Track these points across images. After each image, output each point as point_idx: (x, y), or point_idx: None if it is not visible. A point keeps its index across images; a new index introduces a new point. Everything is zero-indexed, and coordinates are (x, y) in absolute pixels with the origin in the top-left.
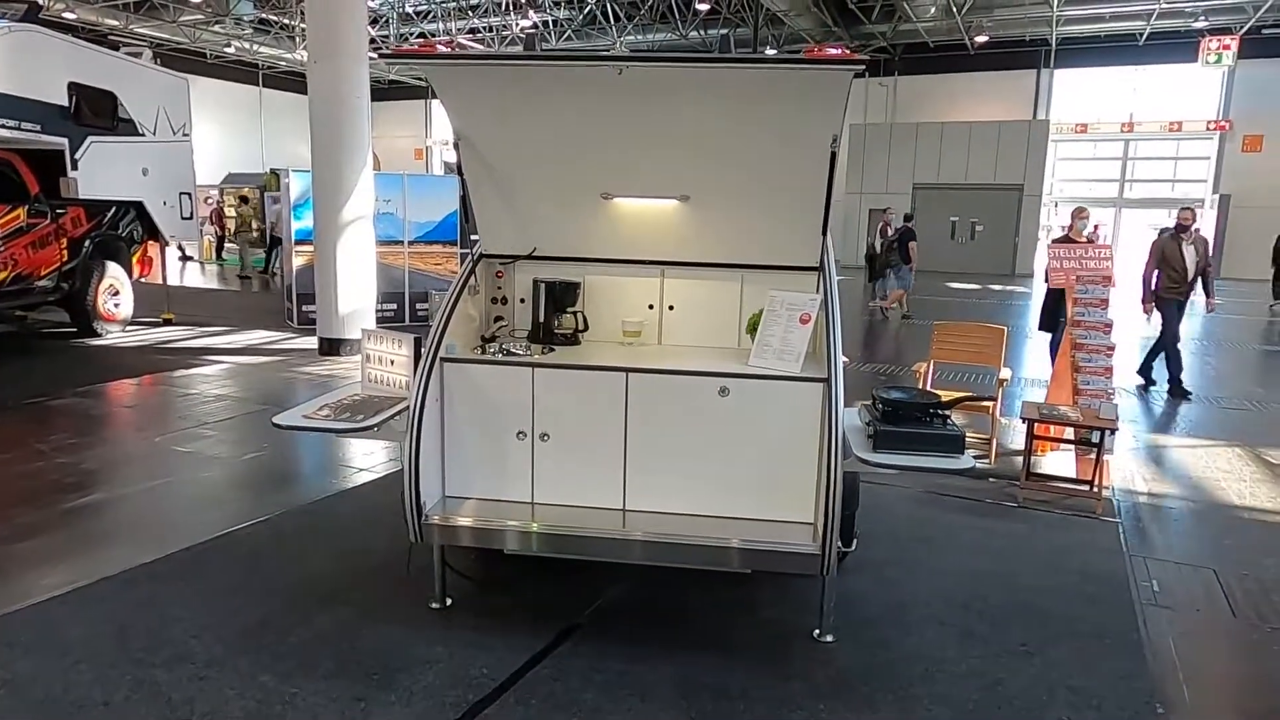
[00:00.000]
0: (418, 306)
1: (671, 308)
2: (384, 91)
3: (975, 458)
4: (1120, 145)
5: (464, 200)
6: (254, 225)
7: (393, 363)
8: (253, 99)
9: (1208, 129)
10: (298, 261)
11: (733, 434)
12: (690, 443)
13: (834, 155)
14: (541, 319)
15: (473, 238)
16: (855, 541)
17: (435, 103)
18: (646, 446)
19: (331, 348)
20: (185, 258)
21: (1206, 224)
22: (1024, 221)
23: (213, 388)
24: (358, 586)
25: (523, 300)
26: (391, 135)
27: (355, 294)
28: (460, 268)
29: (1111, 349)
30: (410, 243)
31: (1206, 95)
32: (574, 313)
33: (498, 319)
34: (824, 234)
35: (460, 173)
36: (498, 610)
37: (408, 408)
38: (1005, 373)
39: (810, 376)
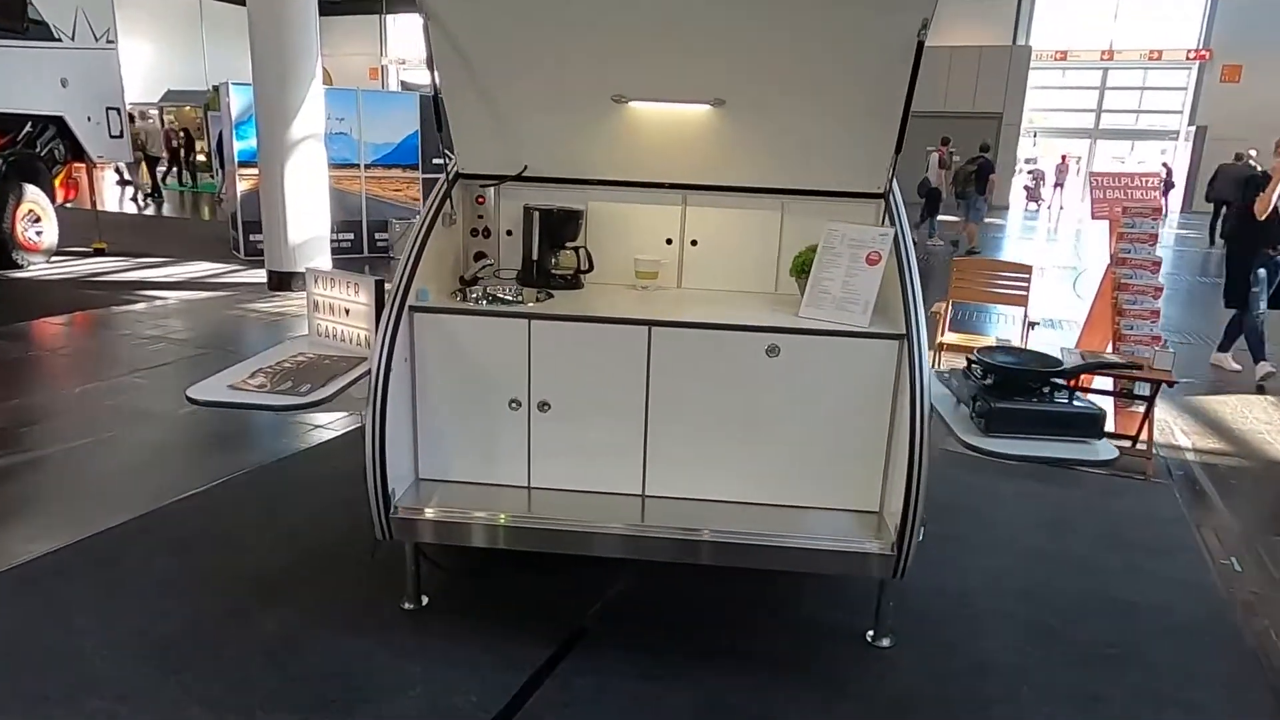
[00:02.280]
0: (376, 236)
1: (694, 242)
2: (334, 5)
3: None
4: (1097, 74)
5: (436, 103)
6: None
7: (348, 312)
8: (193, 10)
9: (1187, 58)
10: (242, 186)
11: (781, 403)
12: (728, 414)
13: (920, 45)
14: (534, 256)
15: (436, 161)
16: (923, 530)
17: (391, 18)
18: (672, 419)
19: (281, 282)
20: (125, 182)
21: (1180, 157)
22: (1002, 151)
23: (147, 327)
24: (311, 579)
25: (509, 232)
26: (344, 53)
27: (307, 223)
28: (422, 195)
29: (1159, 290)
30: (367, 166)
31: (1188, 23)
32: (575, 248)
33: (479, 256)
34: (896, 152)
35: (430, 66)
36: (483, 611)
37: (369, 371)
38: (1035, 315)
39: (884, 332)
